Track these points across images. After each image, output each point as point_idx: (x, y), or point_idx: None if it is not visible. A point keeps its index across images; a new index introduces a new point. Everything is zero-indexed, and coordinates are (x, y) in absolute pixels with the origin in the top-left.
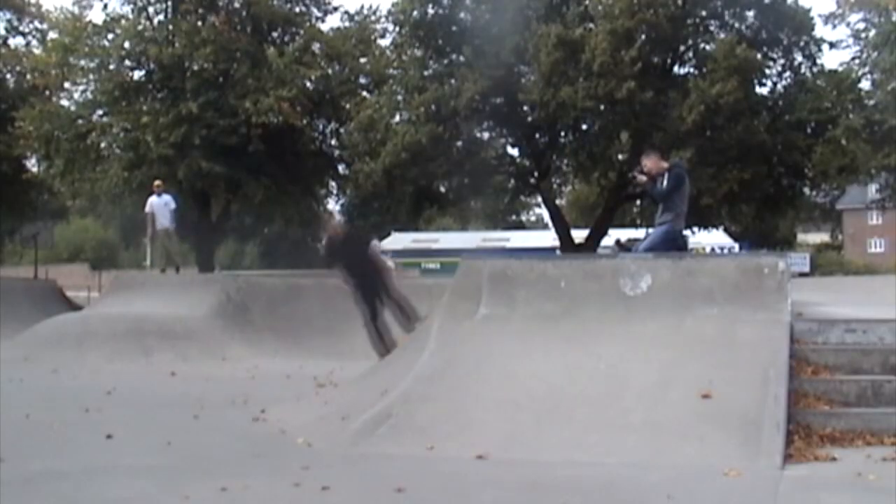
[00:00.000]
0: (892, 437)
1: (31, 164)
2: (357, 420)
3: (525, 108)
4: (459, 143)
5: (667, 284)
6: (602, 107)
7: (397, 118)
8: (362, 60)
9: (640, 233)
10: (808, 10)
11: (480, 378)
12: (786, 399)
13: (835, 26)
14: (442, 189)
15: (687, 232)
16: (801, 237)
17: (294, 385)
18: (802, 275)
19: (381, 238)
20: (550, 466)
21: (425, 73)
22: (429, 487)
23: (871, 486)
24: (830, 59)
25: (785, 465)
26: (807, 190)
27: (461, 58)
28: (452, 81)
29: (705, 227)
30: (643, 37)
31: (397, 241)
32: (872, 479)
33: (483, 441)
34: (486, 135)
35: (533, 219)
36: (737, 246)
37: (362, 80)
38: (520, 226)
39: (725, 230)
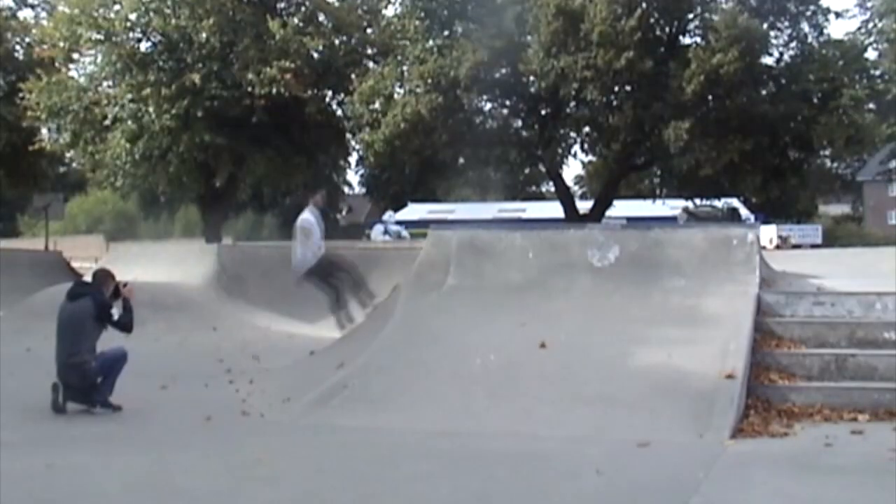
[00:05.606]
0: (852, 413)
1: (43, 135)
2: (314, 391)
3: (528, 78)
4: (462, 115)
5: (634, 256)
6: (603, 77)
7: (400, 89)
8: (368, 31)
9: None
10: None
11: (440, 350)
12: (745, 373)
13: None
14: (446, 160)
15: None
16: (823, 209)
17: (278, 356)
18: (814, 246)
19: (398, 209)
20: (493, 438)
21: (428, 44)
22: (360, 460)
23: (809, 464)
24: (836, 30)
25: (734, 439)
26: (827, 161)
27: (462, 29)
28: (454, 53)
29: (706, 198)
30: (644, 6)
31: (413, 211)
32: (815, 457)
33: (433, 413)
34: (487, 105)
35: (552, 189)
36: (752, 217)
37: (368, 51)
38: (539, 197)
39: (745, 202)
